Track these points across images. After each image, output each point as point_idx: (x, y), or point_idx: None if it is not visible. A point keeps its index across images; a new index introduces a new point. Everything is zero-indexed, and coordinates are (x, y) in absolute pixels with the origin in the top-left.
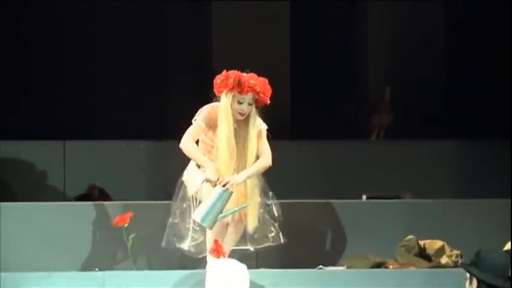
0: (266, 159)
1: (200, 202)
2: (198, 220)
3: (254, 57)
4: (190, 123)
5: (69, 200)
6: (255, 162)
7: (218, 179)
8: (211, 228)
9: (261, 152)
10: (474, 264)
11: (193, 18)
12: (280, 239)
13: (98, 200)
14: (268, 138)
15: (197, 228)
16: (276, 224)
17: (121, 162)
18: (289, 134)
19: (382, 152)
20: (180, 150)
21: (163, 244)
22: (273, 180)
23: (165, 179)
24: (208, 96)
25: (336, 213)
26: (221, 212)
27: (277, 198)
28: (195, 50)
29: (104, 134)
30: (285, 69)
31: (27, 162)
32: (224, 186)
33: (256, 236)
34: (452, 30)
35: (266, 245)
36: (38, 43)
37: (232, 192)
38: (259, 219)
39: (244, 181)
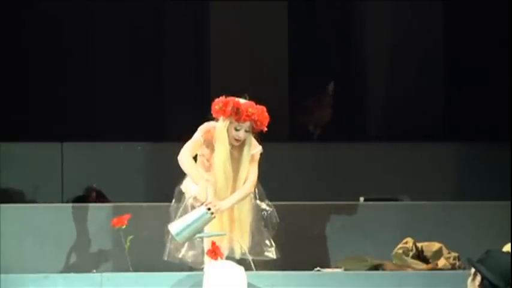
0: (248, 186)
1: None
2: (173, 233)
3: (252, 57)
4: (188, 125)
5: (67, 201)
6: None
7: (205, 200)
8: (183, 243)
9: (247, 176)
10: (481, 262)
11: (192, 19)
12: (273, 254)
13: (95, 201)
14: (267, 142)
15: (198, 239)
16: (271, 239)
17: (119, 164)
18: (287, 136)
19: (380, 153)
20: (177, 152)
21: (165, 257)
22: (271, 182)
23: (163, 181)
24: (206, 98)
25: (334, 215)
26: (199, 232)
27: (275, 200)
28: (193, 51)
29: (101, 136)
30: (283, 70)
31: (25, 164)
32: (209, 209)
33: (252, 247)
34: (452, 31)
35: (260, 258)
36: (36, 44)
37: (214, 217)
38: (252, 238)
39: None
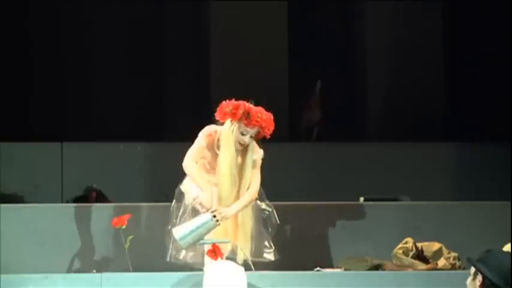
0: (252, 193)
1: (196, 211)
2: (176, 237)
3: (252, 57)
4: (188, 126)
5: (67, 201)
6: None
7: (211, 207)
8: (185, 249)
9: (250, 182)
10: (482, 261)
11: (192, 21)
12: (273, 256)
13: (95, 201)
14: (267, 141)
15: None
16: (271, 241)
17: (119, 164)
18: (288, 136)
19: (380, 153)
20: (177, 151)
21: (167, 259)
22: (271, 182)
23: (162, 181)
24: (205, 98)
25: (334, 215)
26: (202, 238)
27: (275, 200)
28: (193, 51)
29: (101, 136)
30: (283, 70)
31: (25, 164)
32: (215, 216)
33: (252, 248)
34: (452, 32)
35: (259, 259)
36: (36, 44)
37: (219, 224)
38: (252, 241)
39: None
